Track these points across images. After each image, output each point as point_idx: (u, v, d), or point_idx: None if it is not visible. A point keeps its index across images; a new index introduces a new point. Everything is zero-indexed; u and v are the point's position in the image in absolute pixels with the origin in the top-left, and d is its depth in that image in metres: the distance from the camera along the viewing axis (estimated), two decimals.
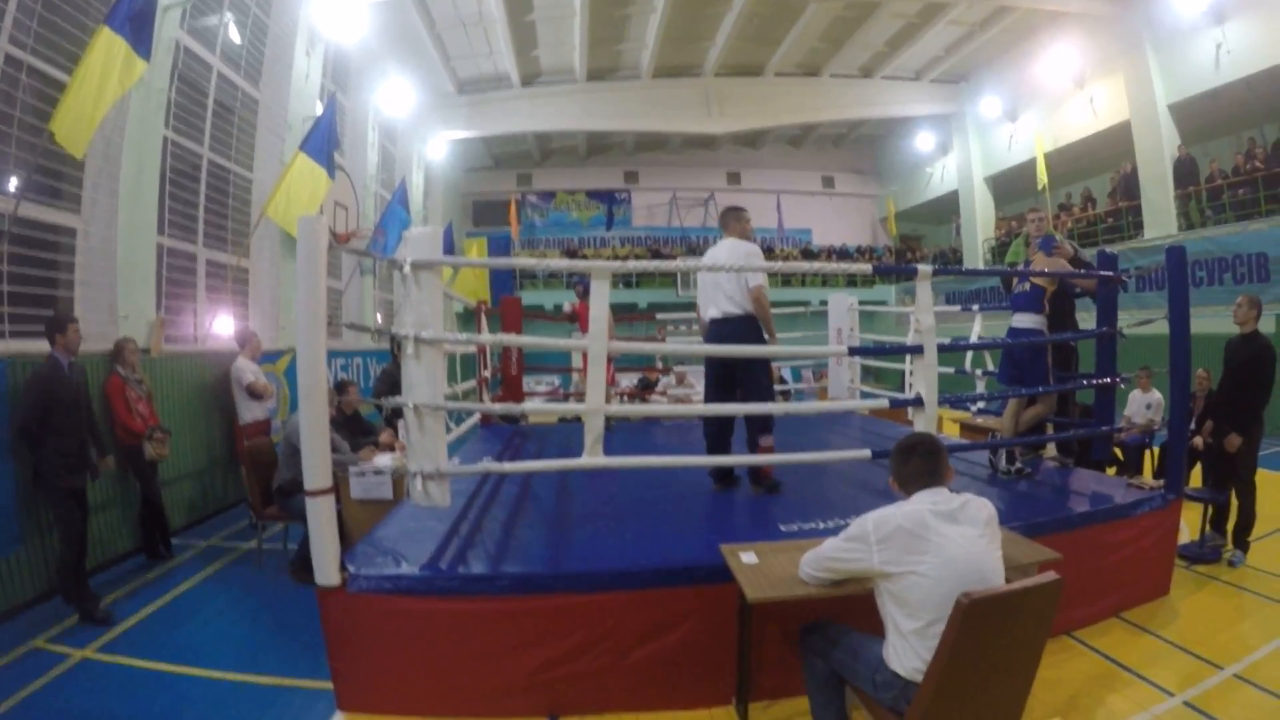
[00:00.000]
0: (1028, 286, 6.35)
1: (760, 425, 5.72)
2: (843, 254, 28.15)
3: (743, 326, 5.65)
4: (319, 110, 11.91)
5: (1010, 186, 23.55)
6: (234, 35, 10.40)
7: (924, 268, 5.11)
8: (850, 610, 3.42)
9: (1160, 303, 16.13)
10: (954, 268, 21.54)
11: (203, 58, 9.50)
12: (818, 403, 12.52)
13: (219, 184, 10.09)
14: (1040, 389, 6.21)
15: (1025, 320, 6.29)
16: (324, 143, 10.33)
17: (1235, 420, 6.52)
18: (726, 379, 5.79)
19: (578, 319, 9.83)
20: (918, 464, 3.09)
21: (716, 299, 5.71)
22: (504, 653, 4.00)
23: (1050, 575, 2.83)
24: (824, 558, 3.17)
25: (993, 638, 2.72)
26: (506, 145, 26.82)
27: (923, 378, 5.21)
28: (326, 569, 3.95)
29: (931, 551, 2.82)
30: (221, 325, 9.72)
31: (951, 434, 9.54)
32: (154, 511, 7.16)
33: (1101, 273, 6.31)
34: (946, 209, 26.56)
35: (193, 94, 9.32)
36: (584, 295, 9.65)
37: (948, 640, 2.64)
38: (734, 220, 5.93)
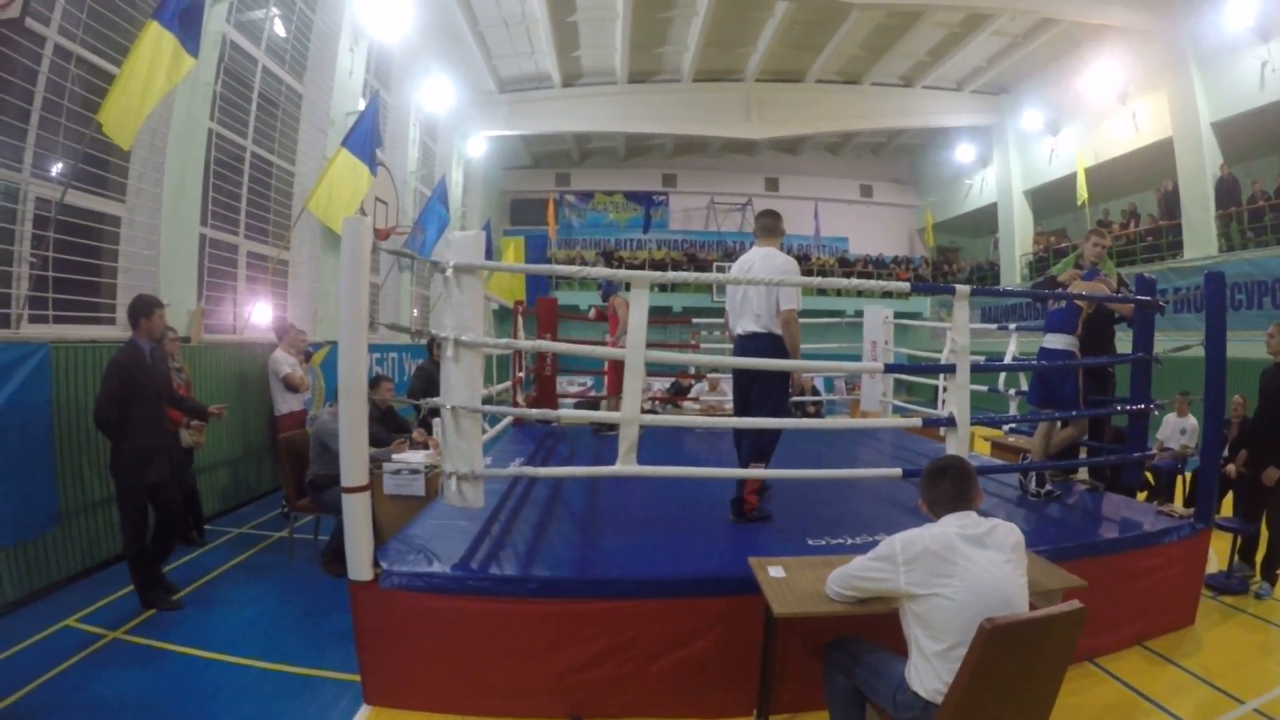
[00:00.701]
0: (1064, 305, 6.32)
1: (754, 453, 5.46)
2: (879, 264, 27.86)
3: (767, 346, 5.40)
4: (361, 105, 12.02)
5: (1049, 201, 23.20)
6: (279, 30, 10.55)
7: (962, 288, 5.06)
8: (875, 629, 3.46)
9: (1198, 325, 15.95)
10: (992, 288, 21.57)
11: (248, 51, 9.64)
12: (848, 419, 12.47)
13: (261, 176, 10.24)
14: (1072, 413, 6.18)
15: (1056, 341, 6.26)
16: (367, 139, 10.45)
17: (1274, 452, 6.41)
18: (746, 395, 5.62)
19: (605, 319, 9.80)
20: (947, 487, 3.13)
21: (745, 315, 5.47)
22: (530, 654, 4.06)
23: (1074, 604, 2.85)
24: (851, 576, 3.20)
25: (1014, 664, 2.74)
26: (546, 145, 26.85)
27: (956, 397, 5.14)
28: (360, 564, 4.03)
29: (958, 575, 2.86)
30: (260, 314, 9.89)
31: (983, 452, 9.48)
32: (188, 497, 7.22)
33: (1138, 297, 6.26)
34: (985, 221, 26.22)
35: (237, 87, 9.46)
36: (606, 297, 9.64)
37: (969, 664, 2.67)
38: (774, 224, 5.67)
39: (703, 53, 20.01)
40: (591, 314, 9.91)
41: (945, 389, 9.22)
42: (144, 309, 5.65)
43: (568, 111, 22.41)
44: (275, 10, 10.38)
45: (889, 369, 7.18)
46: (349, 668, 4.34)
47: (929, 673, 2.89)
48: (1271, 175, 16.17)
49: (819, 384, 14.80)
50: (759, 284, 5.23)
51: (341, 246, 3.95)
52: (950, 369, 5.23)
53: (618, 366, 8.21)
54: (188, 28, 6.74)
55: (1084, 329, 6.32)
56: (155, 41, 6.39)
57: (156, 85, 6.46)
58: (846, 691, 3.36)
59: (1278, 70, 14.77)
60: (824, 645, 3.54)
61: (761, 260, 5.44)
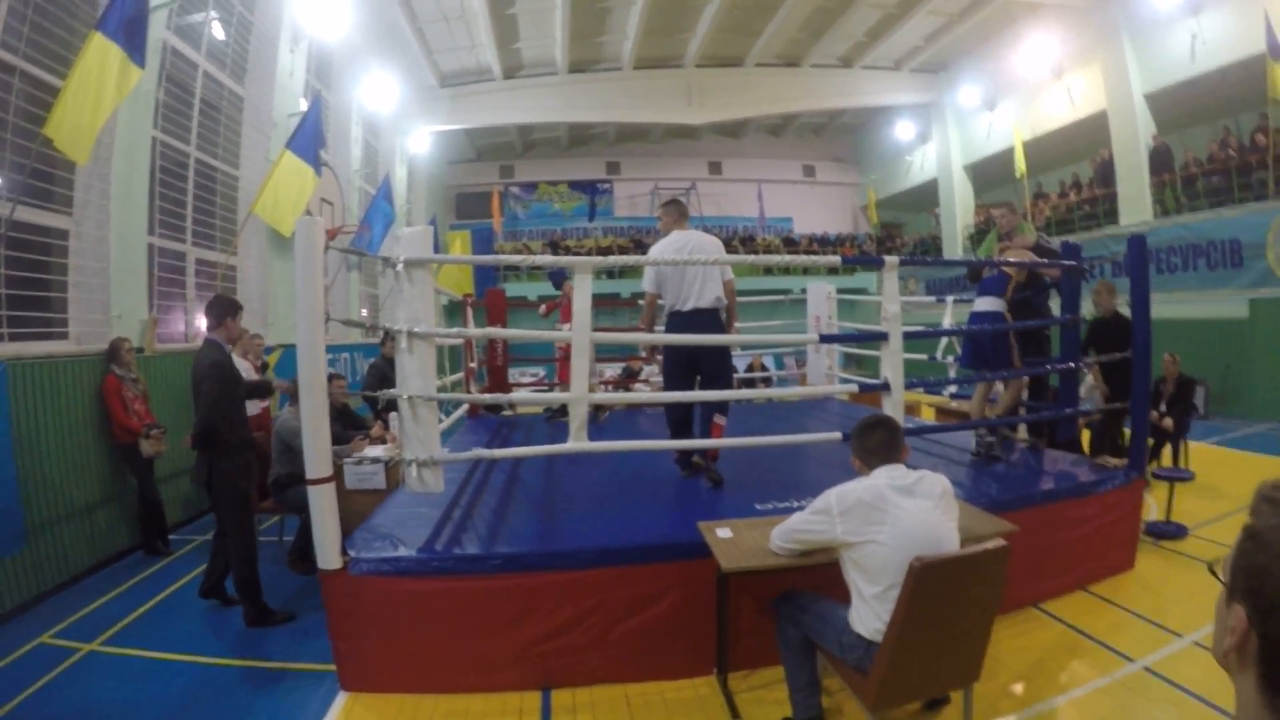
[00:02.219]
0: (995, 273, 6.59)
1: (719, 406, 5.86)
2: (824, 242, 28.23)
3: (718, 318, 5.78)
4: (303, 106, 12.02)
5: (989, 174, 23.75)
6: (218, 33, 10.50)
7: (890, 259, 5.35)
8: (819, 580, 3.70)
9: None
10: (919, 258, 22.17)
11: (188, 56, 9.58)
12: (789, 389, 12.76)
13: (206, 183, 10.20)
14: (1004, 373, 6.48)
15: (986, 304, 6.53)
16: (310, 140, 10.43)
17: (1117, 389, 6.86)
18: (692, 367, 5.84)
19: (557, 310, 9.91)
20: (880, 437, 3.37)
21: (705, 291, 5.72)
22: (497, 629, 4.22)
23: (998, 541, 3.09)
24: (792, 530, 3.41)
25: (945, 599, 2.99)
26: (489, 137, 26.87)
27: (890, 363, 5.42)
28: (329, 553, 4.15)
29: (889, 522, 3.08)
30: (204, 324, 9.73)
31: (928, 418, 9.80)
32: (152, 508, 7.27)
33: (1065, 263, 6.56)
34: (926, 197, 26.75)
35: (179, 93, 9.40)
36: (559, 285, 9.81)
37: (903, 601, 2.91)
38: (687, 208, 6.13)
39: (642, 40, 20.15)
40: (542, 310, 9.98)
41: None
42: (231, 308, 5.58)
43: (510, 103, 22.43)
44: (214, 13, 10.31)
45: (824, 339, 7.45)
46: (325, 658, 4.44)
47: (869, 614, 3.12)
48: (1203, 143, 16.73)
49: (768, 361, 15.06)
50: (701, 264, 5.53)
51: (295, 248, 4.07)
52: (884, 336, 5.48)
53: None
54: (133, 38, 6.67)
55: (1015, 294, 6.61)
56: (101, 53, 6.36)
57: (107, 98, 6.43)
58: (797, 641, 3.58)
59: (1208, 42, 15.34)
60: (773, 600, 3.77)
61: (699, 240, 5.75)
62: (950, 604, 3.03)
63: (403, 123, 20.72)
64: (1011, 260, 6.48)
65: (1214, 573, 1.14)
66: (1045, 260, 6.71)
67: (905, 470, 3.30)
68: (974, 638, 3.22)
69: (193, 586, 6.24)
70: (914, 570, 2.87)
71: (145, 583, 6.40)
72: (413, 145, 21.64)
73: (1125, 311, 6.76)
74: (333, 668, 4.36)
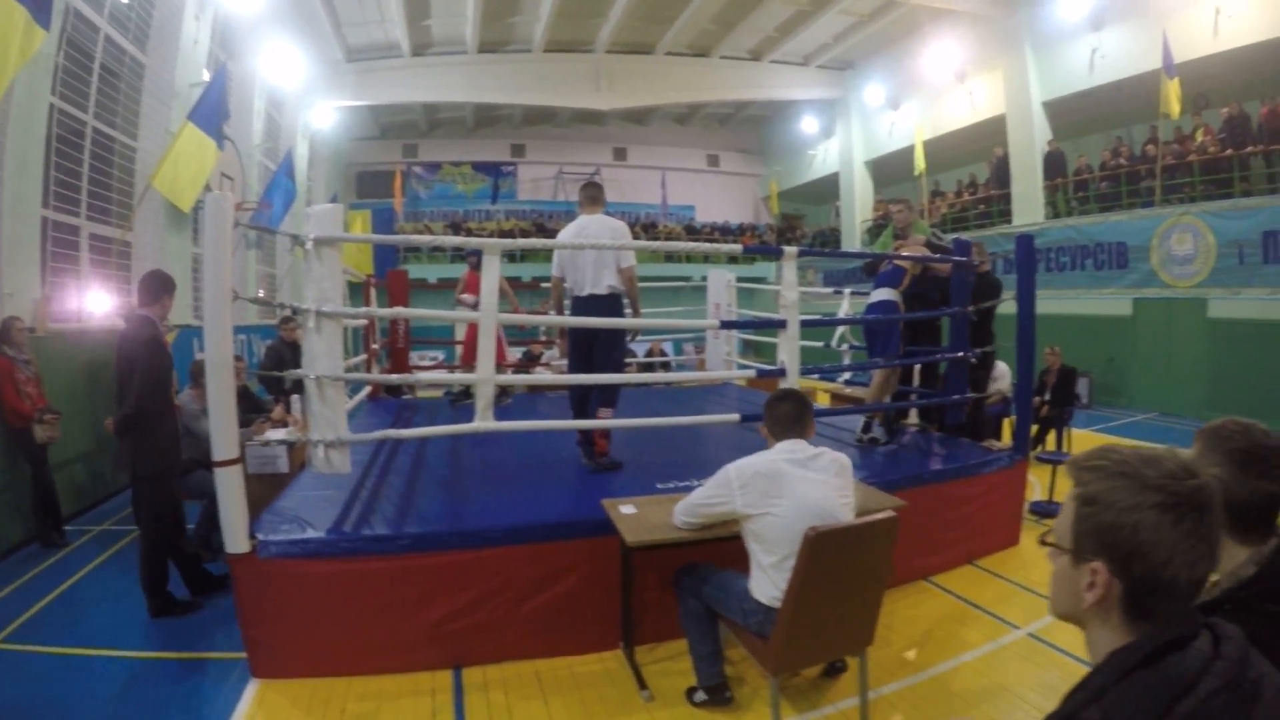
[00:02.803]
0: (890, 267, 6.88)
1: (605, 398, 5.85)
2: (725, 231, 28.59)
3: (615, 303, 5.79)
4: (205, 76, 11.67)
5: (889, 171, 24.38)
6: None
7: (790, 249, 5.63)
8: (719, 554, 3.87)
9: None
10: (818, 250, 22.81)
11: (91, 19, 9.19)
12: (688, 374, 12.99)
13: (104, 154, 9.82)
14: (883, 360, 6.79)
15: (880, 294, 6.84)
16: (213, 112, 10.18)
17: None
18: (588, 352, 5.91)
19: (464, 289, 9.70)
20: (788, 409, 3.55)
21: (599, 277, 5.74)
22: (407, 608, 4.26)
23: (888, 513, 3.33)
24: (694, 505, 3.58)
25: (838, 567, 3.20)
26: (393, 115, 26.32)
27: (787, 349, 5.61)
28: (237, 537, 4.09)
29: (786, 494, 3.28)
30: (98, 302, 9.37)
31: (824, 403, 10.11)
32: (46, 497, 6.96)
33: (956, 258, 6.87)
34: (827, 190, 27.33)
35: (79, 58, 9.02)
36: (476, 267, 9.70)
37: (799, 569, 3.10)
38: (600, 194, 6.07)
39: (554, 23, 20.03)
40: (467, 298, 9.87)
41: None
42: (168, 284, 5.35)
43: (417, 81, 22.04)
44: None
45: (725, 325, 7.68)
46: (236, 646, 4.35)
47: (767, 582, 3.31)
48: (1096, 151, 17.63)
49: (668, 347, 15.27)
50: (600, 248, 5.62)
51: (204, 224, 4.04)
52: (781, 323, 5.68)
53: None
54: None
55: (911, 287, 6.91)
56: (5, 12, 6.08)
57: (10, 60, 6.13)
58: (698, 612, 3.77)
59: (1107, 56, 16.21)
60: (674, 573, 3.93)
61: (598, 225, 5.78)
62: (843, 572, 3.24)
63: (307, 97, 20.16)
64: (906, 255, 6.78)
65: (1048, 544, 1.34)
66: (938, 255, 7.00)
67: (806, 445, 3.49)
68: (866, 604, 3.44)
69: (95, 578, 6.06)
70: (808, 539, 3.06)
71: (43, 576, 6.14)
72: (316, 121, 21.12)
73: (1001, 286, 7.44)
74: (244, 655, 4.30)
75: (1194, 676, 1.11)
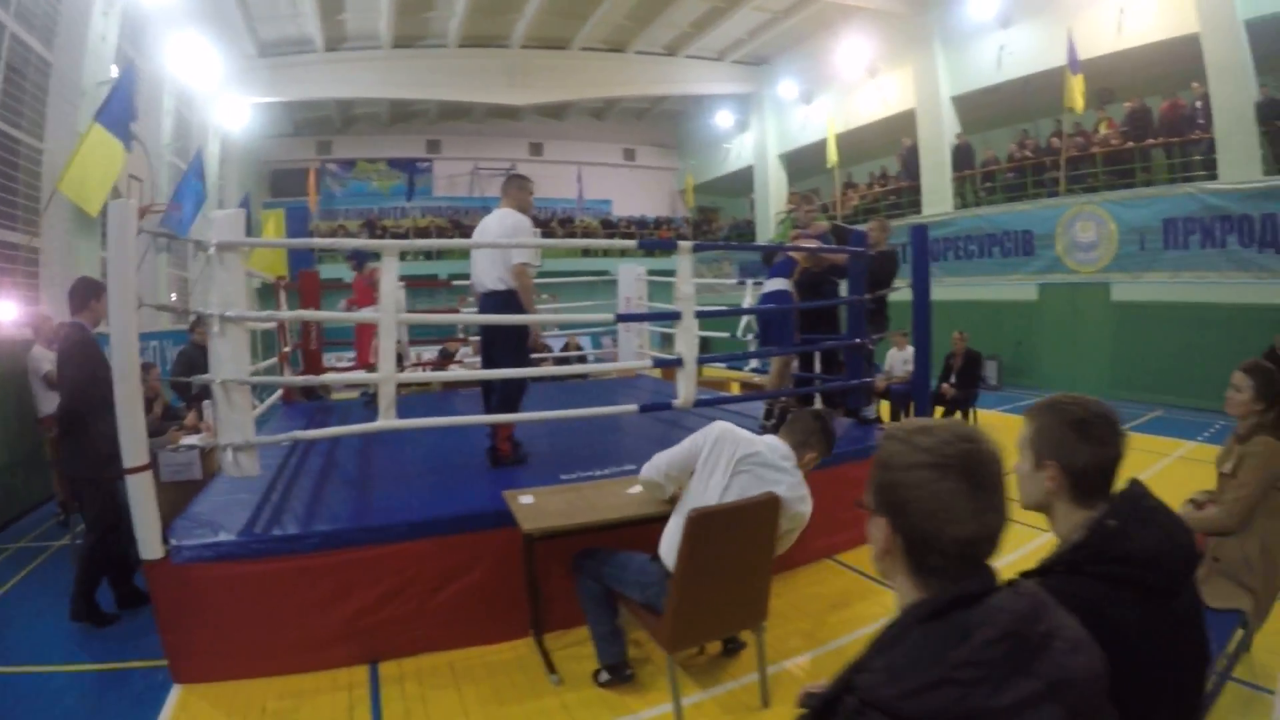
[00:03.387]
0: (784, 258, 7.16)
1: (502, 404, 5.89)
2: (642, 224, 28.84)
3: (503, 302, 5.78)
4: (114, 73, 11.36)
5: (802, 164, 24.84)
6: None
7: (684, 243, 5.73)
8: (618, 539, 4.04)
9: (935, 273, 17.85)
10: (711, 243, 23.19)
11: None
12: (590, 366, 13.16)
13: (8, 156, 9.56)
14: (790, 348, 7.09)
15: (773, 284, 7.08)
16: (121, 112, 9.93)
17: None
18: (489, 351, 6.06)
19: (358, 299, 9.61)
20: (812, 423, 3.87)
21: (488, 273, 5.82)
22: (320, 607, 4.33)
23: (768, 492, 3.51)
24: (675, 451, 3.81)
25: (722, 545, 3.39)
26: (307, 111, 25.87)
27: (683, 340, 5.75)
28: (149, 543, 4.10)
29: (720, 472, 3.55)
30: (4, 310, 9.04)
31: (735, 390, 10.37)
32: None
33: (850, 249, 7.18)
34: (743, 183, 27.74)
35: None
36: (358, 268, 9.65)
37: (683, 549, 3.29)
38: (515, 189, 6.09)
39: (469, 18, 19.99)
40: (341, 306, 9.74)
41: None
42: (96, 289, 5.27)
43: (331, 77, 21.74)
44: None
45: (620, 318, 7.84)
46: (157, 654, 4.36)
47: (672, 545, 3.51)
48: (1003, 144, 18.32)
49: (584, 341, 15.43)
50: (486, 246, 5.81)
51: (108, 231, 4.02)
52: (677, 315, 5.83)
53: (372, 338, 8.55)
54: None
55: (804, 277, 7.17)
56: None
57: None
58: (596, 593, 3.95)
59: (1014, 53, 16.91)
60: (573, 557, 4.09)
61: (495, 222, 5.92)
62: (728, 549, 3.43)
63: (218, 94, 19.62)
64: (797, 246, 7.04)
65: (858, 504, 1.51)
66: (831, 247, 7.25)
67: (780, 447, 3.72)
68: (756, 580, 3.65)
69: (12, 596, 5.92)
70: (690, 519, 3.26)
71: None
72: (228, 118, 20.60)
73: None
74: (165, 662, 4.31)
75: (973, 627, 1.20)
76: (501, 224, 5.85)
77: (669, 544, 3.56)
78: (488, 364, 6.03)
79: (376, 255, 5.32)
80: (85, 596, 5.17)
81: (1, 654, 4.87)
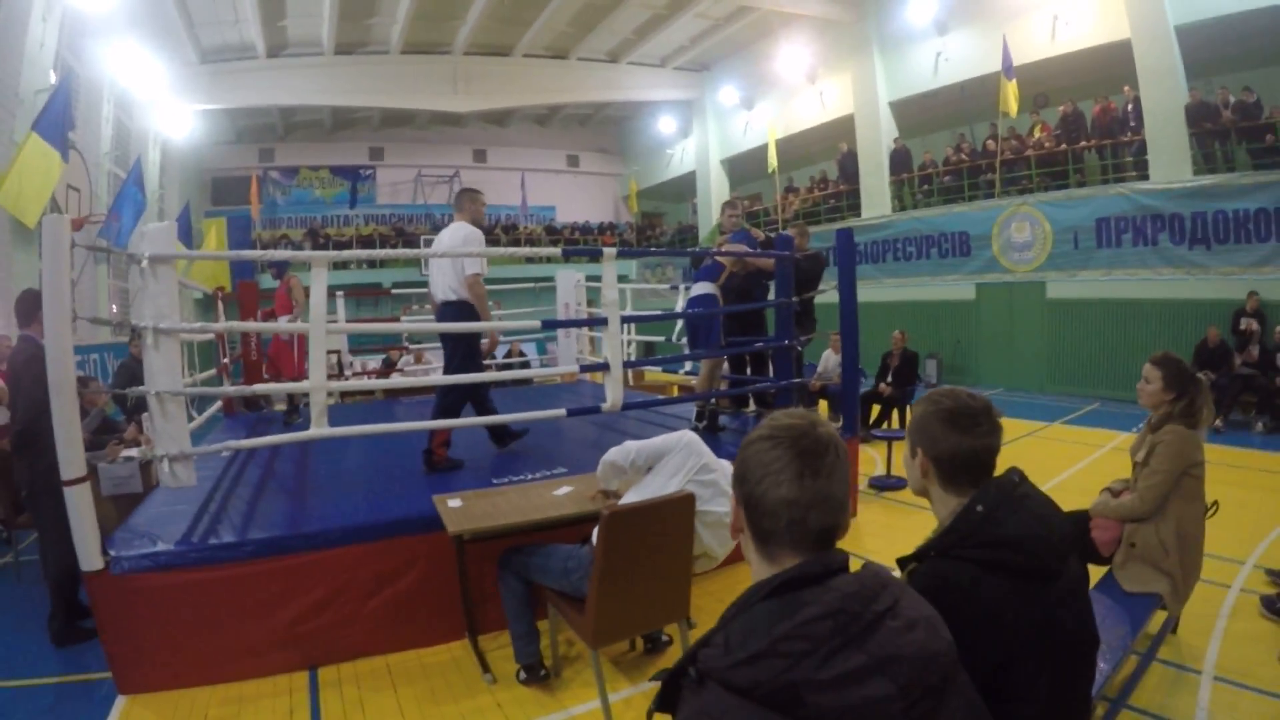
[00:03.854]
0: (710, 262, 7.35)
1: (439, 410, 6.10)
2: (585, 230, 28.90)
3: (457, 312, 6.01)
4: (53, 81, 11.24)
5: (744, 168, 25.20)
6: None
7: (609, 250, 5.91)
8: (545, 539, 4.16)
9: (875, 274, 18.28)
10: (637, 250, 24.16)
11: None
12: (527, 371, 13.26)
13: None
14: (718, 351, 7.24)
15: (700, 288, 7.28)
16: (58, 121, 9.85)
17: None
18: (447, 362, 6.30)
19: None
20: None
21: (442, 285, 6.05)
22: (259, 613, 4.40)
23: (685, 492, 3.67)
24: (649, 442, 3.94)
25: (639, 542, 3.52)
26: (249, 118, 25.67)
27: (609, 345, 5.90)
28: (89, 554, 4.11)
29: (664, 474, 3.74)
30: None
31: (673, 393, 10.54)
32: None
33: (774, 253, 7.38)
34: (685, 188, 28.12)
35: None
36: (279, 277, 9.33)
37: (600, 546, 3.42)
38: (468, 202, 6.26)
39: (411, 25, 19.95)
40: (260, 315, 9.63)
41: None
42: (40, 302, 5.15)
43: (273, 83, 21.54)
44: None
45: (546, 324, 7.95)
46: (102, 667, 4.38)
47: None
48: (940, 147, 18.82)
49: (527, 348, 15.54)
50: (438, 256, 5.97)
51: (41, 247, 4.05)
52: (602, 321, 6.00)
53: (288, 348, 8.67)
54: None
55: (733, 281, 7.38)
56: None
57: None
58: (518, 591, 4.10)
59: (950, 59, 17.44)
60: (498, 557, 4.22)
61: (449, 234, 6.09)
62: (645, 546, 3.57)
63: (158, 101, 19.36)
64: (724, 251, 7.25)
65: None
66: (758, 250, 7.42)
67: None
68: (675, 577, 3.79)
69: None
70: (604, 518, 3.40)
71: None
72: (168, 126, 20.36)
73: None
74: (109, 674, 4.32)
75: (801, 605, 1.28)
76: (454, 236, 6.02)
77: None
78: (449, 371, 6.26)
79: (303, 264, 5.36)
80: (65, 617, 5.12)
81: None
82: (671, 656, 4.44)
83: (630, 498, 3.74)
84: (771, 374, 7.67)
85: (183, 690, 4.29)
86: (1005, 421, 2.10)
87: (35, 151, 9.51)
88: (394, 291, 14.57)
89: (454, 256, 5.85)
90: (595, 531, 3.73)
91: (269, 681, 4.37)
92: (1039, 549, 1.85)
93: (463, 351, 6.28)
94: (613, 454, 4.04)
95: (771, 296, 7.56)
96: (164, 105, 19.78)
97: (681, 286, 10.01)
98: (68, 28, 12.99)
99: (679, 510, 3.62)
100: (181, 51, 19.50)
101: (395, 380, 9.59)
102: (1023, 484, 2.00)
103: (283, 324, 8.21)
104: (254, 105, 23.10)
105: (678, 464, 3.74)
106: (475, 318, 6.01)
